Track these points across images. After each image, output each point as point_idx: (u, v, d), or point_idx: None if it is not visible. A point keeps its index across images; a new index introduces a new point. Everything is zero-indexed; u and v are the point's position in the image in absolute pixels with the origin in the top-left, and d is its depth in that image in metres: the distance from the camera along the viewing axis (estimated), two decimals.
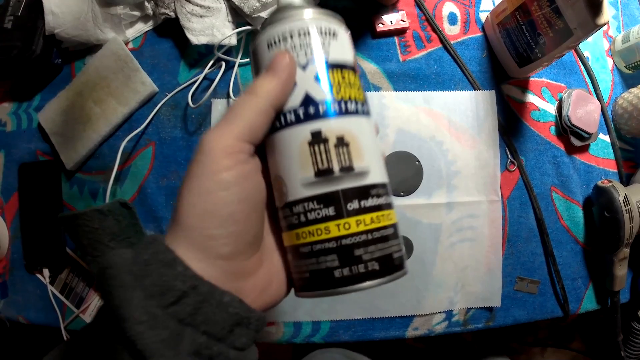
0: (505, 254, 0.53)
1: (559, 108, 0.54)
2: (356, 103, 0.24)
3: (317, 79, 0.24)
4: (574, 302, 0.53)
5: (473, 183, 0.52)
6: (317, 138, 0.23)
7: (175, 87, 0.53)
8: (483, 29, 0.56)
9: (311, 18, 0.24)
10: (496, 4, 0.55)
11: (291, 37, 0.24)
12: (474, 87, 0.54)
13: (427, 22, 0.55)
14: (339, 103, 0.24)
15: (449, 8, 0.55)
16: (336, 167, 0.23)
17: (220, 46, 0.51)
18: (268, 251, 0.25)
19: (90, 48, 0.54)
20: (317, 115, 0.23)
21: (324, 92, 0.23)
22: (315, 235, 0.23)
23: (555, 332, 0.95)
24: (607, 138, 0.57)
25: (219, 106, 0.52)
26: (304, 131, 0.23)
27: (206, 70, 0.51)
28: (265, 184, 0.24)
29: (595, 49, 0.58)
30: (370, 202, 0.23)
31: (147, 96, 0.52)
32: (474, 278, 0.52)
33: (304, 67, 0.24)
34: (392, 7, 0.54)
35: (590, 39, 0.57)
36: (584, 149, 0.55)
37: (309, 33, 0.24)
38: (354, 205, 0.23)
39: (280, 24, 0.24)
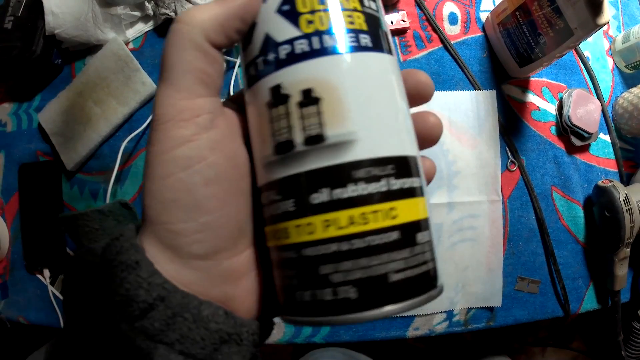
0: (506, 253, 0.53)
1: (560, 108, 0.54)
2: (343, 34, 0.16)
3: (280, 10, 0.16)
4: (574, 301, 0.53)
5: (474, 183, 0.52)
6: (277, 96, 0.16)
7: None
8: (483, 28, 0.56)
9: None
10: (496, 3, 0.55)
11: None
12: (475, 87, 0.54)
13: (427, 22, 0.55)
14: (308, 39, 0.16)
15: (449, 8, 0.55)
16: (298, 138, 0.16)
17: None
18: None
19: (90, 48, 0.54)
20: (277, 63, 0.16)
21: (288, 28, 0.16)
22: (275, 238, 0.17)
23: (555, 331, 0.95)
24: (607, 138, 0.57)
25: None
26: (264, 89, 0.17)
27: None
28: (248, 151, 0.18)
29: (596, 48, 0.58)
30: (352, 190, 0.15)
31: (148, 96, 0.52)
32: (474, 278, 0.52)
33: None
34: (392, 7, 0.54)
35: (590, 39, 0.57)
36: (585, 148, 0.55)
37: None
38: (321, 196, 0.15)
39: None
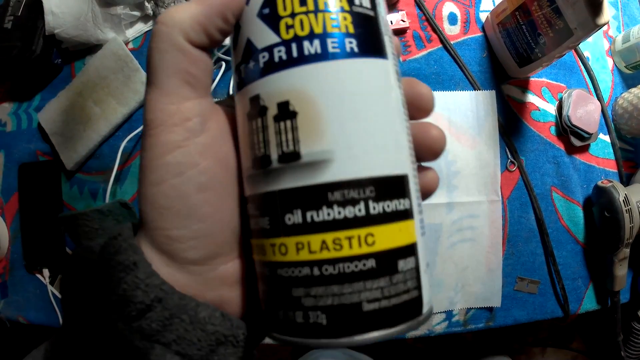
0: (506, 254, 0.53)
1: (559, 108, 0.54)
2: (324, 39, 0.15)
3: (260, 14, 0.15)
4: (574, 302, 0.53)
5: (473, 183, 0.52)
6: (255, 108, 0.15)
7: None
8: (483, 29, 0.56)
9: None
10: (496, 3, 0.55)
11: None
12: (474, 87, 0.54)
13: (427, 22, 0.55)
14: (287, 46, 0.15)
15: (449, 8, 0.55)
16: (274, 154, 0.15)
17: (220, 46, 0.51)
18: None
19: (90, 48, 0.54)
20: (256, 72, 0.15)
21: (267, 34, 0.15)
22: (256, 252, 0.16)
23: (555, 332, 0.95)
24: (607, 138, 0.57)
25: None
26: (245, 98, 0.16)
27: None
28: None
29: (595, 49, 0.58)
30: (326, 214, 0.14)
31: None
32: (474, 278, 0.52)
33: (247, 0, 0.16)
34: (392, 7, 0.54)
35: (590, 39, 0.57)
36: (584, 149, 0.55)
37: None
38: (293, 217, 0.14)
39: None
